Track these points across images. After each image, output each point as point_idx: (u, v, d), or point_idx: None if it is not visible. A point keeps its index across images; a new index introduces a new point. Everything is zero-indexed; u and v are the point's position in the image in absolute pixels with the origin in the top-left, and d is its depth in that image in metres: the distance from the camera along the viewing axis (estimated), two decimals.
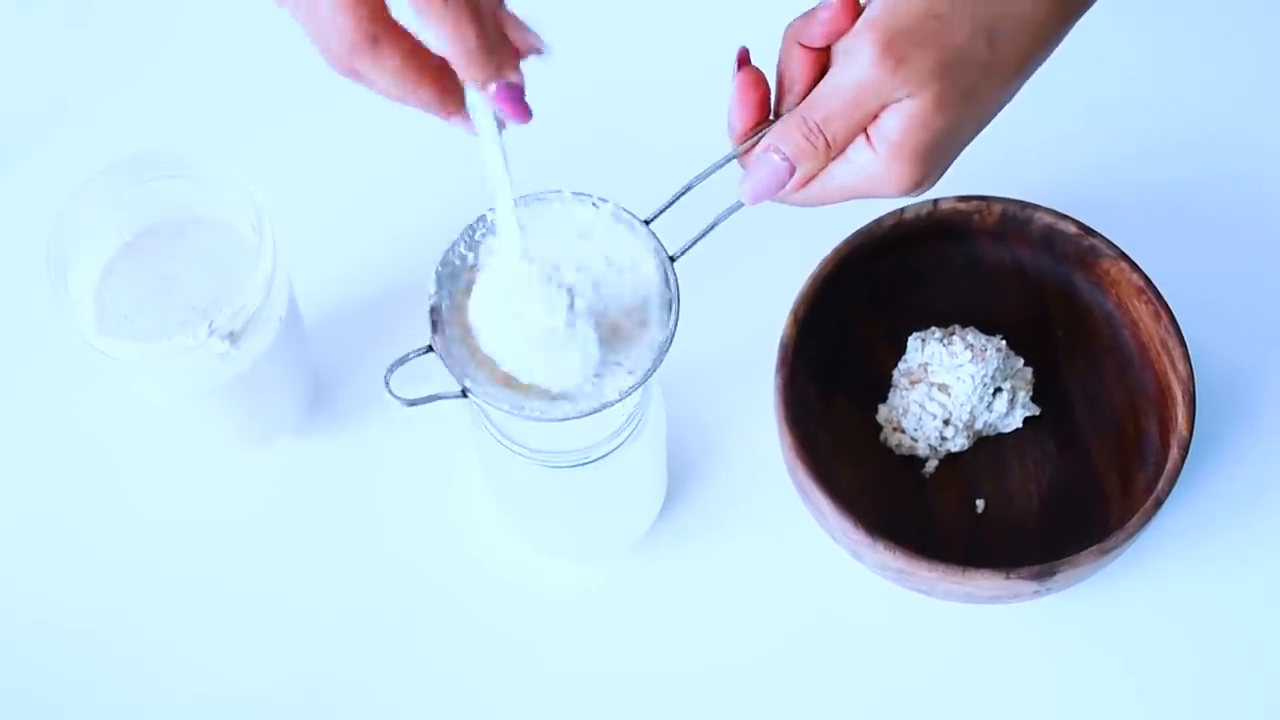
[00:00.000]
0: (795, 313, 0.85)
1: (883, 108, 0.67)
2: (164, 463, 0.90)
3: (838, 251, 0.87)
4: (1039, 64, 0.70)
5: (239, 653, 0.87)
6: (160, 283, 0.80)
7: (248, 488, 0.90)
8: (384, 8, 0.61)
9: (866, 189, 0.69)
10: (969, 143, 0.70)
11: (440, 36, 0.61)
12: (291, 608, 0.87)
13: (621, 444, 0.76)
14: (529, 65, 0.64)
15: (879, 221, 0.87)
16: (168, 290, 0.80)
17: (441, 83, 0.62)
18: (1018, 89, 0.70)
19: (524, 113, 0.63)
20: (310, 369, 0.89)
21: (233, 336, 0.77)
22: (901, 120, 0.67)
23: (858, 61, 0.66)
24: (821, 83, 0.68)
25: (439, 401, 0.88)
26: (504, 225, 0.67)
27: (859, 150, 0.68)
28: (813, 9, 0.69)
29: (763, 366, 0.86)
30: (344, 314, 0.92)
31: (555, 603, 0.87)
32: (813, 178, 0.69)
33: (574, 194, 0.71)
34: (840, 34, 0.68)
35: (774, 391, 0.84)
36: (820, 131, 0.68)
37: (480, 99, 0.63)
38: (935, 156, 0.68)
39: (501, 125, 0.64)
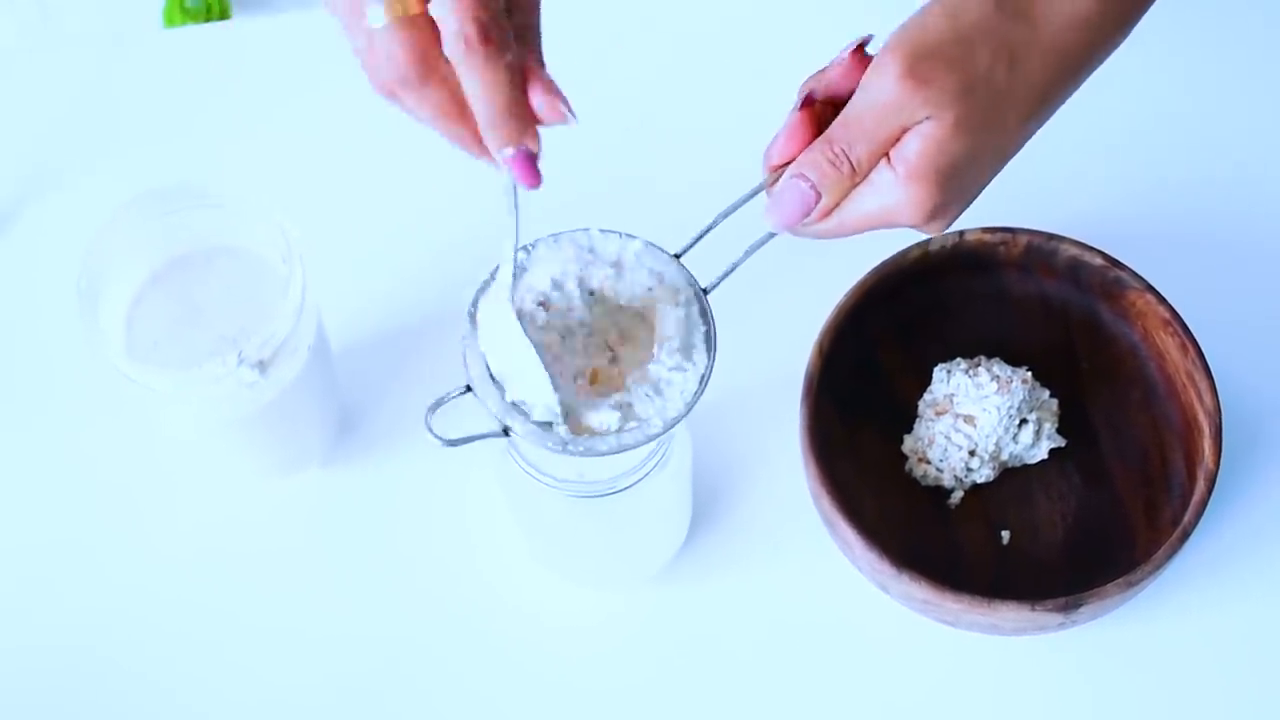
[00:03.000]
0: (820, 344, 0.85)
1: (904, 130, 0.67)
2: (190, 493, 0.90)
3: (863, 283, 0.87)
4: (1065, 96, 0.70)
5: (263, 682, 0.87)
6: (189, 312, 0.81)
7: (274, 517, 0.90)
8: (437, 42, 0.62)
9: (887, 215, 0.69)
10: (990, 175, 0.70)
11: (471, 90, 0.63)
12: (316, 637, 0.87)
13: (647, 474, 0.76)
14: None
15: (905, 253, 0.87)
16: (196, 320, 0.81)
17: (476, 126, 0.64)
18: (1041, 121, 0.70)
19: (534, 179, 0.64)
20: (337, 399, 0.90)
21: (261, 365, 0.78)
22: (921, 142, 0.67)
23: (881, 82, 0.67)
24: (846, 108, 0.68)
25: (466, 425, 0.89)
26: (504, 270, 0.69)
27: (880, 174, 0.68)
28: (826, 66, 0.70)
29: (788, 398, 0.86)
30: (371, 345, 0.93)
31: (579, 631, 0.88)
32: (837, 204, 0.69)
33: (601, 230, 0.71)
34: (848, 91, 0.69)
35: (799, 422, 0.84)
36: (845, 155, 0.68)
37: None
38: (953, 182, 0.68)
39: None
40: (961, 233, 0.87)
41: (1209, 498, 0.82)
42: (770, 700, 0.86)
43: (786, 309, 0.91)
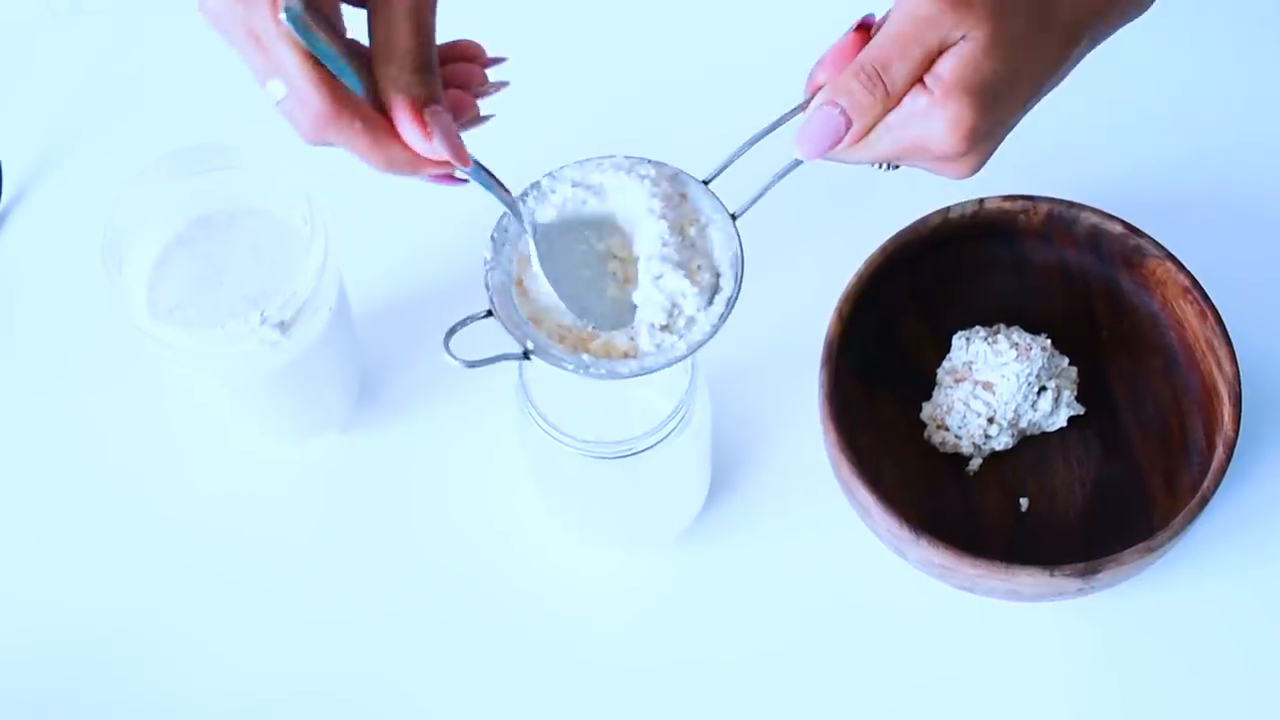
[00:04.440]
0: (840, 310, 0.85)
1: (939, 50, 0.67)
2: (210, 457, 0.91)
3: (883, 250, 0.87)
4: (1099, 31, 0.70)
5: (281, 649, 0.87)
6: (212, 273, 0.81)
7: (293, 483, 0.90)
8: (329, 100, 0.63)
9: (922, 138, 0.68)
10: (1025, 105, 0.69)
11: (360, 158, 0.65)
12: (336, 602, 0.88)
13: (667, 436, 0.76)
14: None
15: (924, 220, 0.87)
16: (219, 280, 0.81)
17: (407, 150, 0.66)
18: (1075, 55, 0.69)
19: (452, 181, 0.67)
20: (358, 362, 0.90)
21: (283, 325, 0.78)
22: (957, 61, 0.66)
23: (915, 2, 0.66)
24: (880, 30, 0.68)
25: (486, 393, 0.89)
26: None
27: (915, 97, 0.67)
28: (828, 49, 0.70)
29: (808, 363, 0.86)
30: (392, 309, 0.93)
31: (599, 595, 0.88)
32: (870, 130, 0.68)
33: (627, 158, 0.71)
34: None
35: (818, 388, 0.84)
36: (879, 77, 0.67)
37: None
38: (989, 104, 0.67)
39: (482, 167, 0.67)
40: (981, 200, 0.87)
41: (1228, 465, 0.82)
42: (788, 665, 0.86)
43: (806, 275, 0.91)
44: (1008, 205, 0.88)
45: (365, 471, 0.90)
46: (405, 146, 0.65)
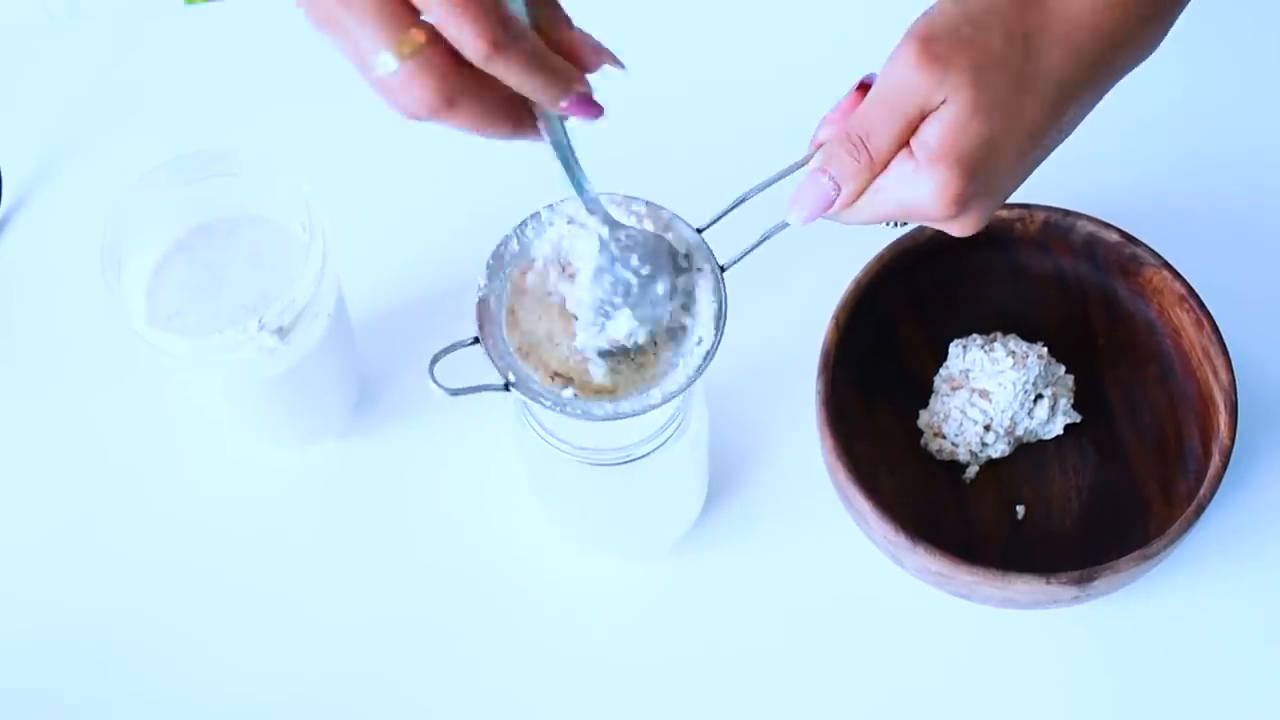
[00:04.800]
0: (837, 318, 0.86)
1: (922, 116, 0.67)
2: (208, 463, 0.91)
3: (880, 258, 0.87)
4: (1088, 92, 0.70)
5: (279, 654, 0.87)
6: (211, 280, 0.81)
7: (292, 488, 0.90)
8: (456, 65, 0.61)
9: (911, 202, 0.68)
10: (1015, 168, 0.69)
11: (508, 80, 0.62)
12: (334, 609, 0.88)
13: (664, 443, 0.77)
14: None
15: (921, 229, 0.88)
16: (218, 287, 0.81)
17: (515, 115, 0.65)
18: (1064, 116, 0.69)
19: (595, 113, 0.65)
20: (356, 368, 0.90)
21: (282, 331, 0.78)
22: (939, 126, 0.67)
23: (897, 66, 0.67)
24: (865, 99, 0.68)
25: (484, 399, 0.89)
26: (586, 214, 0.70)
27: (902, 162, 0.68)
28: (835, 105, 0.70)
29: (805, 371, 0.86)
30: (390, 317, 0.93)
31: (597, 601, 0.88)
32: (859, 195, 0.69)
33: (625, 196, 0.71)
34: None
35: (815, 396, 0.84)
36: (863, 145, 0.68)
37: (552, 113, 0.65)
38: (975, 169, 0.67)
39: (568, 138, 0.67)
40: None
41: (1224, 473, 0.82)
42: (785, 672, 0.86)
43: (803, 283, 0.91)
44: (1004, 214, 0.88)
45: (363, 478, 0.91)
46: (511, 123, 0.64)
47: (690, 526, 0.88)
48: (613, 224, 0.70)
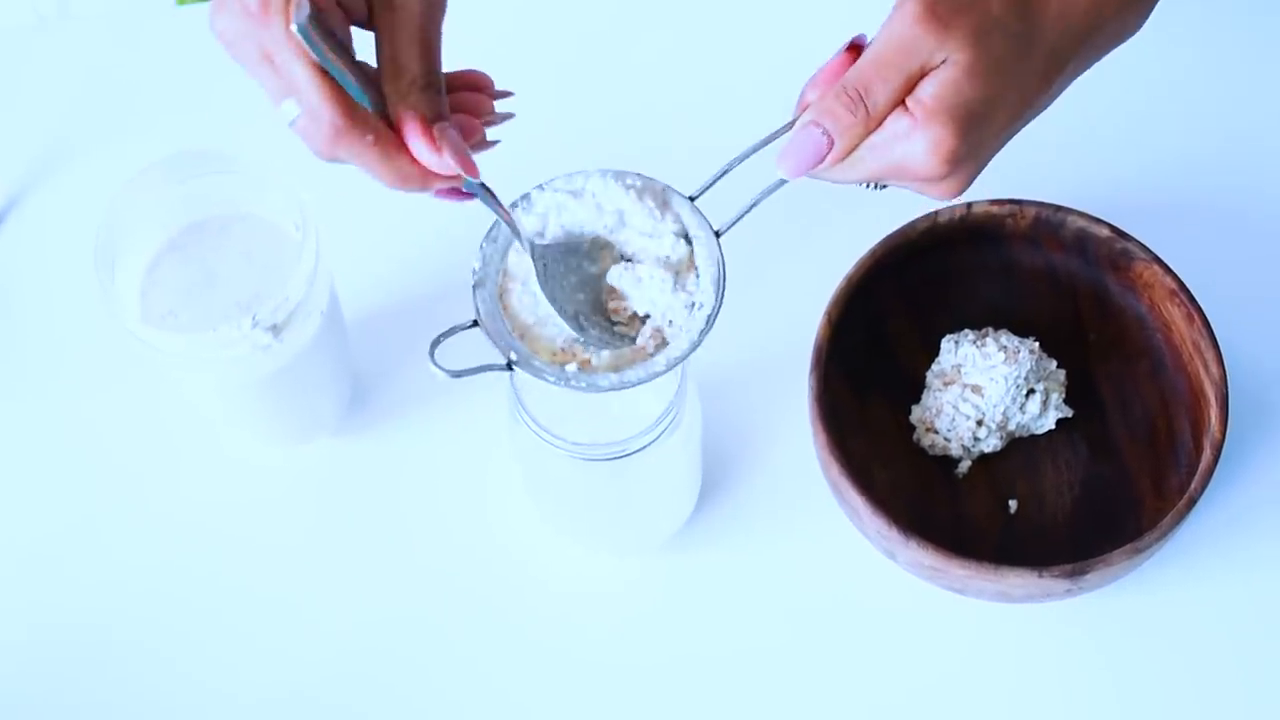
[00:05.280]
0: (829, 314, 0.86)
1: (921, 73, 0.67)
2: (202, 461, 0.91)
3: (872, 254, 0.87)
4: (1080, 60, 0.70)
5: (272, 653, 0.87)
6: (204, 278, 0.82)
7: (285, 486, 0.91)
8: (347, 120, 0.64)
9: (903, 160, 0.68)
10: (1007, 131, 0.70)
11: (370, 173, 0.66)
12: (328, 607, 0.88)
13: (657, 438, 0.77)
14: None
15: (913, 224, 0.88)
16: (211, 285, 0.81)
17: (420, 173, 0.67)
18: (1055, 83, 0.70)
19: (460, 196, 0.68)
20: (350, 366, 0.90)
21: (275, 329, 0.78)
22: (937, 84, 0.67)
23: (898, 25, 0.67)
24: (864, 53, 0.68)
25: (477, 397, 0.89)
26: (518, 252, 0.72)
27: (896, 119, 0.68)
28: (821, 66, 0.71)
29: (798, 367, 0.87)
30: (383, 317, 0.94)
31: (591, 598, 0.88)
32: (852, 151, 0.69)
33: (615, 172, 0.72)
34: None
35: (808, 391, 0.84)
36: (861, 99, 0.68)
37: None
38: (970, 128, 0.68)
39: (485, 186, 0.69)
40: (969, 204, 0.88)
41: (1215, 466, 0.82)
42: (779, 667, 0.87)
43: (796, 279, 0.91)
44: (995, 209, 0.89)
45: (357, 476, 0.91)
46: (415, 161, 0.66)
47: (684, 522, 0.88)
48: (535, 251, 0.71)
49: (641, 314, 0.72)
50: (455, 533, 0.89)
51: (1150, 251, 0.87)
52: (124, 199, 0.80)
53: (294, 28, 0.62)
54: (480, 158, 0.68)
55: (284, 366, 0.81)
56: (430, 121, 0.66)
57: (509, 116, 0.71)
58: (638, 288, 0.72)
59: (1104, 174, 0.96)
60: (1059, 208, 0.88)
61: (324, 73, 0.63)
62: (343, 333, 0.88)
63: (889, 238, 0.88)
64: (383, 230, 0.95)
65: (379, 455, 0.91)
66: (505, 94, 0.71)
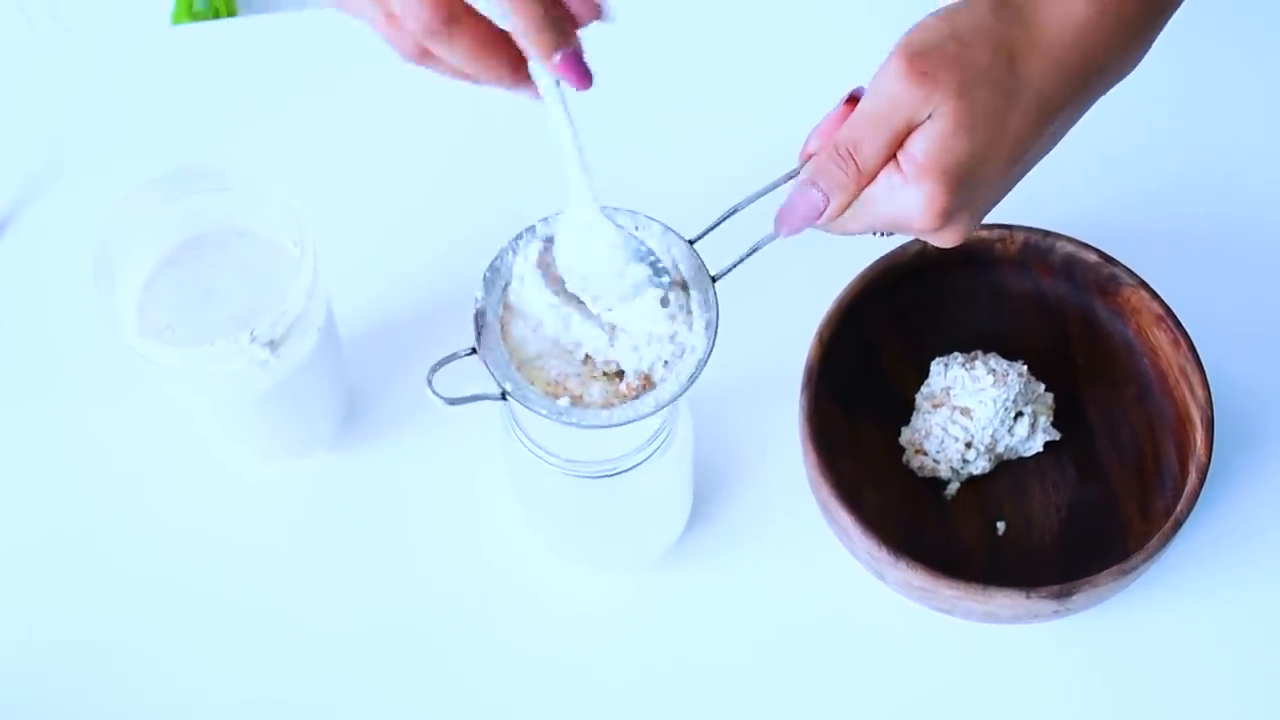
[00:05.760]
0: (820, 335, 0.87)
1: (909, 129, 0.68)
2: (198, 476, 0.91)
3: (863, 277, 0.88)
4: (1072, 107, 0.71)
5: (266, 667, 0.88)
6: (201, 294, 0.82)
7: (281, 501, 0.91)
8: None
9: (898, 214, 0.70)
10: (1000, 183, 0.70)
11: (505, 16, 0.64)
12: (321, 622, 0.88)
13: (649, 457, 0.77)
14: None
15: (904, 248, 0.89)
16: (208, 301, 0.82)
17: (511, 54, 0.66)
18: (1047, 131, 0.70)
19: (585, 78, 0.66)
20: (346, 382, 0.91)
21: (273, 344, 0.79)
22: (925, 140, 0.68)
23: (884, 81, 0.68)
24: (853, 113, 0.69)
25: (471, 415, 0.90)
26: (575, 181, 0.70)
27: (889, 174, 0.69)
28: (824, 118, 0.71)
29: (788, 388, 0.87)
30: (379, 333, 0.94)
31: (582, 615, 0.89)
32: (847, 206, 0.70)
33: (616, 209, 0.72)
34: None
35: (799, 412, 0.85)
36: (851, 156, 0.69)
37: (543, 69, 0.66)
38: (961, 182, 0.68)
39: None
40: None
41: (1200, 489, 0.83)
42: (768, 687, 0.87)
43: (787, 300, 0.92)
44: (985, 234, 0.89)
45: (352, 491, 0.91)
46: (509, 59, 0.65)
47: (675, 540, 0.89)
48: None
49: (630, 370, 0.72)
50: (449, 548, 0.90)
51: (1137, 277, 0.88)
52: (121, 214, 0.80)
53: None
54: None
55: (280, 382, 0.81)
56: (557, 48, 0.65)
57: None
58: (626, 347, 0.72)
59: (1093, 200, 0.97)
60: (1048, 233, 0.89)
61: None
62: (339, 349, 0.88)
63: (880, 260, 0.88)
64: (379, 246, 0.96)
65: (374, 471, 0.91)
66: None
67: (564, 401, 0.71)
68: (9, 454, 0.92)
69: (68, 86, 1.01)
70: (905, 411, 0.90)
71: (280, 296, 0.80)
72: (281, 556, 0.90)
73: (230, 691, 0.87)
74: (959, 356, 0.89)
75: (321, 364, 0.84)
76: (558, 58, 0.65)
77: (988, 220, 0.88)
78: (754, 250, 0.72)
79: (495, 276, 0.72)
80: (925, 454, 0.89)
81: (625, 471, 0.77)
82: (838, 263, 0.89)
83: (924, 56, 0.67)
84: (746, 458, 0.91)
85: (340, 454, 0.92)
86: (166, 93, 1.01)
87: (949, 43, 0.68)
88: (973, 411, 0.87)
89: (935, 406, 0.88)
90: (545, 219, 0.72)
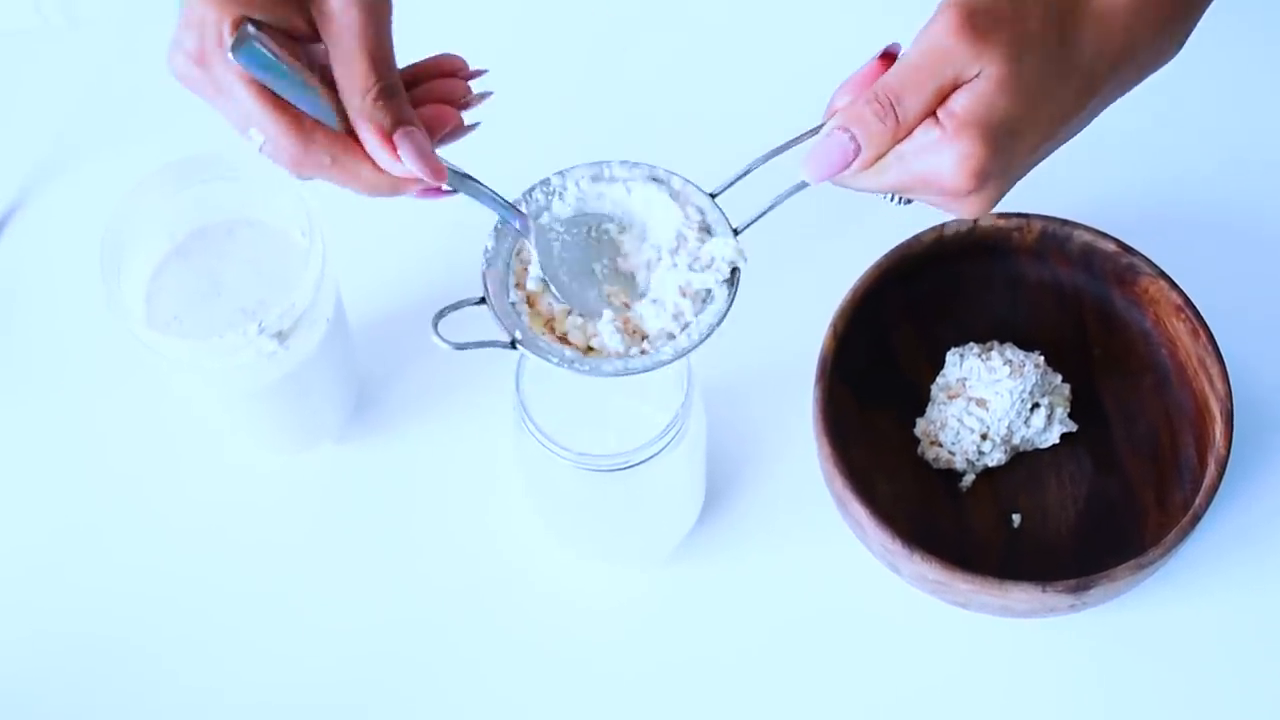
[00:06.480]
0: (835, 326, 0.86)
1: (955, 85, 0.67)
2: (206, 468, 0.91)
3: (878, 266, 0.87)
4: (1117, 83, 0.70)
5: (276, 659, 0.87)
6: (210, 284, 0.81)
7: (289, 492, 0.91)
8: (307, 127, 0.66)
9: (930, 171, 0.68)
10: (1038, 151, 0.69)
11: (337, 185, 0.68)
12: (331, 614, 0.88)
13: (662, 449, 0.77)
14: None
15: (919, 237, 0.88)
16: (216, 292, 0.81)
17: (389, 182, 0.69)
18: (1088, 105, 0.69)
19: (438, 177, 0.68)
20: (355, 373, 0.90)
21: (281, 336, 0.78)
22: (970, 97, 0.66)
23: (935, 35, 0.67)
24: (898, 62, 0.68)
25: (482, 407, 0.90)
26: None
27: (926, 130, 0.67)
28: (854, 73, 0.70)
29: (803, 379, 0.87)
30: (388, 321, 0.94)
31: (594, 609, 0.88)
32: (879, 158, 0.69)
33: (635, 164, 0.72)
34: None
35: (813, 403, 0.84)
36: (892, 106, 0.67)
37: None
38: (1000, 144, 0.67)
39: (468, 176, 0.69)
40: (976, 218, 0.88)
41: (1220, 482, 0.82)
42: (781, 681, 0.86)
43: (801, 291, 0.91)
44: (1002, 223, 0.89)
45: (361, 483, 0.91)
46: (381, 170, 0.67)
47: (687, 533, 0.88)
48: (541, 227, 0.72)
49: (653, 333, 0.72)
50: (459, 541, 0.89)
51: (1156, 266, 0.87)
52: (129, 204, 0.80)
53: (231, 57, 0.64)
54: (491, 152, 0.68)
55: (289, 373, 0.81)
56: (390, 129, 0.66)
57: (487, 95, 0.71)
58: (650, 308, 0.72)
59: (1111, 188, 0.96)
60: (1065, 222, 0.88)
61: (275, 101, 0.65)
62: (348, 339, 0.88)
63: (895, 250, 0.88)
64: (388, 236, 0.95)
65: (383, 463, 0.91)
66: (478, 73, 0.71)
67: (572, 351, 0.70)
68: (16, 446, 0.92)
69: (77, 76, 1.01)
70: (920, 403, 0.89)
71: (289, 288, 0.80)
72: (289, 549, 0.89)
73: (238, 684, 0.87)
74: (975, 347, 0.88)
75: (330, 355, 0.83)
76: (411, 194, 0.69)
77: (1005, 209, 0.88)
78: (777, 202, 0.71)
79: (506, 227, 0.71)
80: (940, 445, 0.88)
81: (638, 465, 0.77)
82: (852, 253, 0.88)
83: (979, 14, 0.66)
84: (759, 450, 0.90)
85: (349, 445, 0.91)
86: (175, 82, 1.00)
87: (1004, 4, 0.67)
88: (988, 403, 0.86)
89: (951, 398, 0.87)
90: (561, 172, 0.72)
